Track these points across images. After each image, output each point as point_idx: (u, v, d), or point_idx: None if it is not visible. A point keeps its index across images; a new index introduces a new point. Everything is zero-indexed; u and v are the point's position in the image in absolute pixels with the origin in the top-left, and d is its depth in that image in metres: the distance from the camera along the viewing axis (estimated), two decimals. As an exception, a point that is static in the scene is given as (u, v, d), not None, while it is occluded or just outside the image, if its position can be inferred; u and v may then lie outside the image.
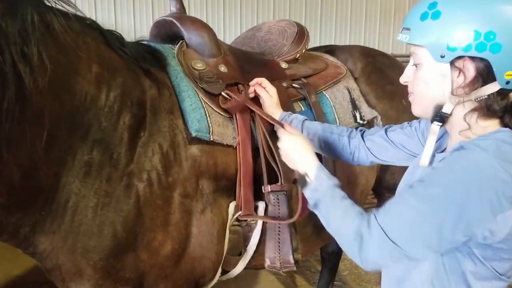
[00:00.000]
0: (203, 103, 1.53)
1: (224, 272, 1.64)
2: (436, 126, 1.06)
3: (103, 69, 1.33)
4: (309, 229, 1.76)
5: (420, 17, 1.01)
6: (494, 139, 0.94)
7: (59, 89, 1.21)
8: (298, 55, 1.91)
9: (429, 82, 1.03)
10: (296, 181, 1.21)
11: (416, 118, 1.21)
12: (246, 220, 1.59)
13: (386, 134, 1.41)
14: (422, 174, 1.08)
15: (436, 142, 1.13)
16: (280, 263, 1.58)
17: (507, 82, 0.95)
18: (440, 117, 1.04)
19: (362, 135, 1.46)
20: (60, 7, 1.25)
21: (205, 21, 1.80)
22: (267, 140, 1.58)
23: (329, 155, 1.58)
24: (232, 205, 1.55)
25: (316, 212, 1.14)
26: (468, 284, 0.99)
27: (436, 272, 1.02)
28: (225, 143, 1.53)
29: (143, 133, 1.38)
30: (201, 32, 1.69)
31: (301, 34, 1.94)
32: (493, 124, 1.00)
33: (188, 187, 1.44)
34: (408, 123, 1.38)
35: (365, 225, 0.98)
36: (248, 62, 1.80)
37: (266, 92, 1.63)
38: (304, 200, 1.22)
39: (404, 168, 1.32)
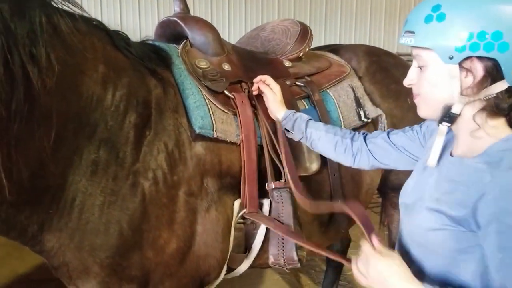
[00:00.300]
0: (206, 101, 1.54)
1: (230, 270, 1.65)
2: (444, 126, 1.06)
3: (109, 69, 1.34)
4: (315, 228, 1.77)
5: (425, 19, 1.00)
6: None
7: (67, 89, 1.23)
8: (301, 53, 1.92)
9: (437, 83, 1.03)
10: None
11: (421, 118, 1.20)
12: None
13: (389, 137, 1.40)
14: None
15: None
16: (284, 260, 1.59)
17: None
18: (449, 117, 1.04)
19: (364, 138, 1.46)
20: (67, 8, 1.27)
21: (209, 21, 1.82)
22: (270, 137, 1.59)
23: (330, 157, 1.58)
24: (237, 203, 1.56)
25: None
26: None
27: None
28: (228, 140, 1.54)
29: (149, 132, 1.40)
30: (204, 31, 1.71)
31: (305, 32, 1.95)
32: (501, 123, 1.00)
33: (193, 186, 1.46)
34: (410, 127, 1.38)
35: None
36: (251, 60, 1.81)
37: (270, 89, 1.63)
38: None
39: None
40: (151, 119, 1.41)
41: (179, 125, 1.47)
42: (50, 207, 1.27)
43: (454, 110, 1.02)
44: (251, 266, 1.68)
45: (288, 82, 1.82)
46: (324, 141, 1.52)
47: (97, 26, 1.41)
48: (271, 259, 1.61)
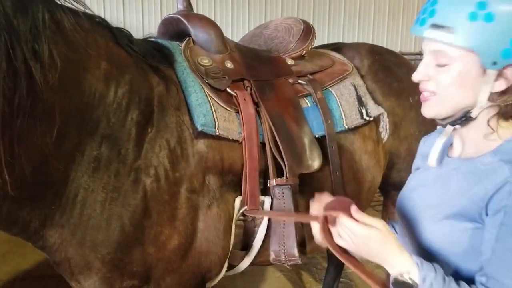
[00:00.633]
0: (209, 98, 1.54)
1: (231, 266, 1.65)
2: (450, 127, 1.03)
3: (112, 66, 1.35)
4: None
5: (469, 17, 0.91)
6: None
7: (69, 85, 1.23)
8: (304, 52, 1.92)
9: (465, 86, 0.96)
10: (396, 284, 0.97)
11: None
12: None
13: None
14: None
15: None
16: (285, 256, 1.59)
17: None
18: (465, 120, 1.00)
19: None
20: (70, 5, 1.28)
21: (213, 19, 1.82)
22: (273, 135, 1.59)
23: None
24: (238, 200, 1.57)
25: None
26: None
27: None
28: (231, 138, 1.54)
29: (151, 129, 1.40)
30: (207, 29, 1.71)
31: (307, 31, 1.95)
32: (509, 123, 1.00)
33: (195, 183, 1.46)
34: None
35: None
36: (254, 58, 1.81)
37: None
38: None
39: (410, 165, 1.32)
40: (153, 116, 1.42)
41: (181, 123, 1.47)
42: (52, 203, 1.28)
43: (474, 113, 0.98)
44: (252, 264, 1.68)
45: (290, 80, 1.82)
46: None
47: (100, 23, 1.42)
48: (272, 256, 1.61)
